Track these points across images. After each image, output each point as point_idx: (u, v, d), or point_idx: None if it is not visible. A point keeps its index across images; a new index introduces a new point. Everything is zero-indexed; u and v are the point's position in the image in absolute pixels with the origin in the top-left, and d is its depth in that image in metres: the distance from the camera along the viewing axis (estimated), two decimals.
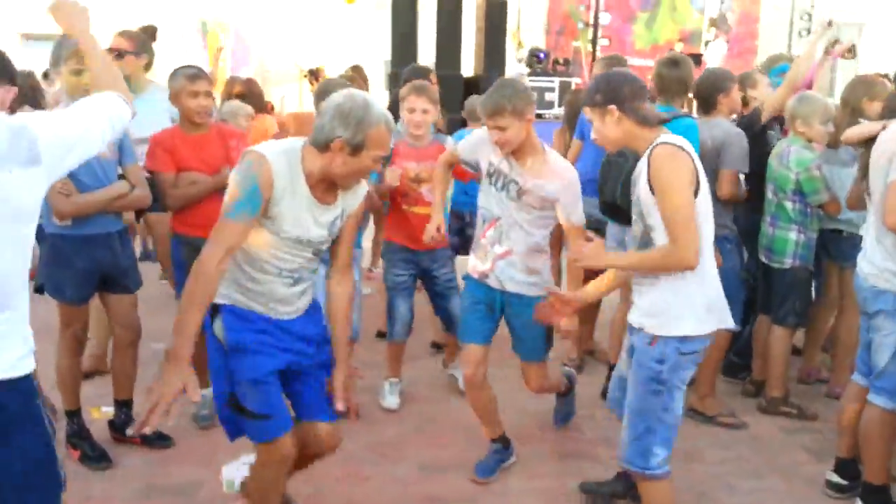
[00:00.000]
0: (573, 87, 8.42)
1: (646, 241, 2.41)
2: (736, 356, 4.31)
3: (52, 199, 2.97)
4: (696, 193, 2.31)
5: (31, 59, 6.15)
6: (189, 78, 3.32)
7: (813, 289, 4.11)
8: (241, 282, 2.32)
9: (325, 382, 2.48)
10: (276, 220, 2.23)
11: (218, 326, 2.33)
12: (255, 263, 2.30)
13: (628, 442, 2.45)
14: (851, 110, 3.83)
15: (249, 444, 3.38)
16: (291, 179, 2.21)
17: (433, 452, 3.38)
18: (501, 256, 3.01)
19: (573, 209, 2.97)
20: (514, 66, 13.04)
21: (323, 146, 2.19)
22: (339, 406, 2.43)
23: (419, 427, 3.67)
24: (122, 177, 3.22)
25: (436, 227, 3.19)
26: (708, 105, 3.82)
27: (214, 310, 2.31)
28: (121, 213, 3.29)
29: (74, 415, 3.26)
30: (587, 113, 2.49)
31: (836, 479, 3.12)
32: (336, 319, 2.51)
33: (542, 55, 9.79)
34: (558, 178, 2.93)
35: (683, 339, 2.36)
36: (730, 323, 2.47)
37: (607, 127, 2.42)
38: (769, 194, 3.82)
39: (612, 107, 2.38)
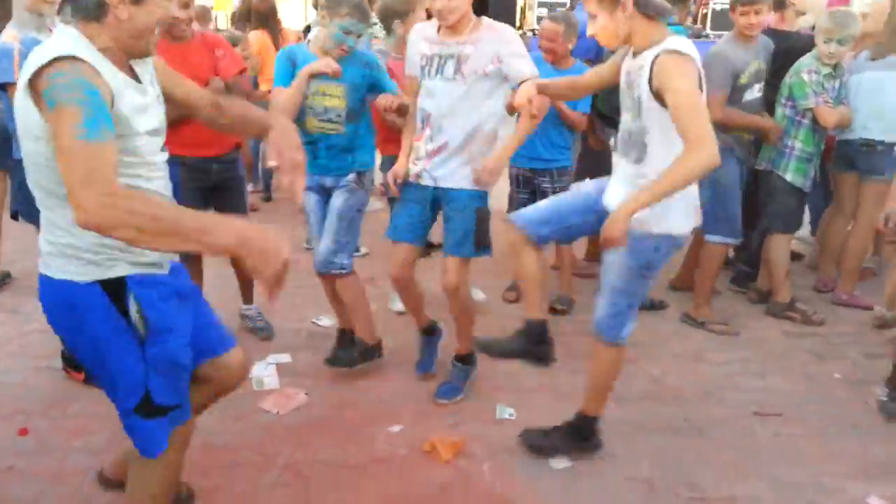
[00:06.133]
0: None
1: (636, 142, 2.36)
2: (745, 265, 4.40)
3: None
4: None
5: None
6: None
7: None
8: None
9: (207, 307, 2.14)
10: (130, 121, 1.73)
11: (134, 309, 1.81)
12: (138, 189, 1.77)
13: (609, 316, 2.54)
14: None
15: (276, 345, 3.57)
16: (105, 68, 1.70)
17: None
18: (435, 152, 2.90)
19: (519, 60, 2.77)
20: None
21: (96, 11, 1.70)
22: None
23: None
24: None
25: (399, 177, 3.02)
26: None
27: (117, 289, 1.80)
28: None
29: None
30: (590, 6, 2.29)
31: None
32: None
33: None
34: (493, 32, 2.80)
35: (675, 237, 2.42)
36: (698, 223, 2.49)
37: (618, 22, 2.27)
38: None
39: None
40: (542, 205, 2.68)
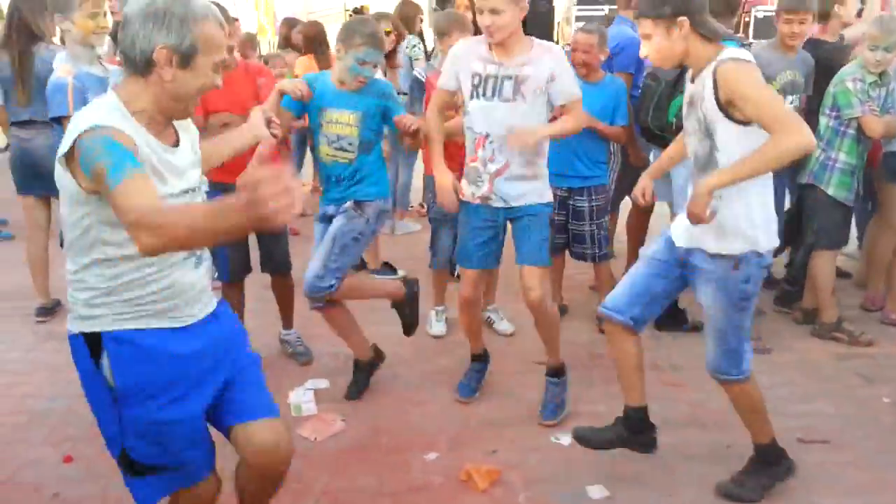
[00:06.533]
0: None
1: (708, 161, 2.33)
2: (789, 284, 4.30)
3: None
4: None
5: None
6: None
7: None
8: (132, 289, 1.76)
9: (261, 378, 2.08)
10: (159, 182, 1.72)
11: (105, 365, 1.78)
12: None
13: (721, 355, 2.49)
14: None
15: (314, 371, 3.61)
16: (137, 133, 1.69)
17: (486, 379, 3.50)
18: (499, 173, 2.90)
19: (570, 78, 2.87)
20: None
21: (143, 67, 1.70)
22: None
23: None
24: None
25: (449, 188, 3.00)
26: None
27: (95, 342, 1.78)
28: None
29: None
30: (645, 27, 2.29)
31: None
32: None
33: None
34: (547, 52, 2.83)
35: (761, 255, 2.36)
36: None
37: (673, 42, 2.27)
38: None
39: (683, 19, 2.24)
40: (621, 286, 2.61)
